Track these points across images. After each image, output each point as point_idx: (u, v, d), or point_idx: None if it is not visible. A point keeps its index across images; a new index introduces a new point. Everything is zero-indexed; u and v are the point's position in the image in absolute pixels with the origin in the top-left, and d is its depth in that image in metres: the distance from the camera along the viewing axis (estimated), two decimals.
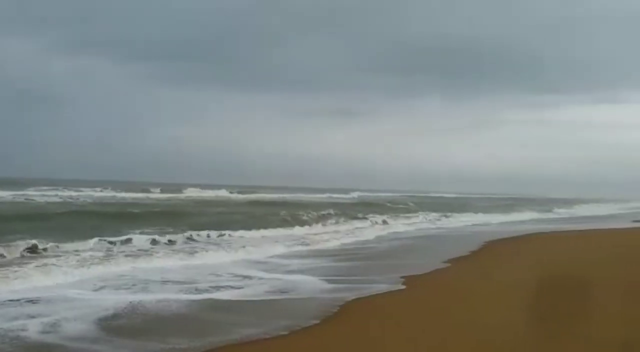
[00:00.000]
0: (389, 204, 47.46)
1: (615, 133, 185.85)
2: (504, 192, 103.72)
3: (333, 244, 19.07)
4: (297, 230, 23.76)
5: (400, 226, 28.91)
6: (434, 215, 37.87)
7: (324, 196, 59.11)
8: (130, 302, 8.97)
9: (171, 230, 20.35)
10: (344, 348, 7.03)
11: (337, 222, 28.51)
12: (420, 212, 39.08)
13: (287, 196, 52.59)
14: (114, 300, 9.17)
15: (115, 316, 8.19)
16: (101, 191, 45.68)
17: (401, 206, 47.25)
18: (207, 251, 15.78)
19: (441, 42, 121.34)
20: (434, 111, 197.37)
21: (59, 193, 40.35)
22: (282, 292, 10.40)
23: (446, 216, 37.87)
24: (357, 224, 28.58)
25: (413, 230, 27.04)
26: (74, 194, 40.14)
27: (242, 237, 20.30)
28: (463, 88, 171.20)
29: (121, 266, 12.75)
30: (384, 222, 30.46)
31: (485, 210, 46.24)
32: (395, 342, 7.11)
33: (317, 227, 25.53)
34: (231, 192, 53.76)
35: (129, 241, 17.32)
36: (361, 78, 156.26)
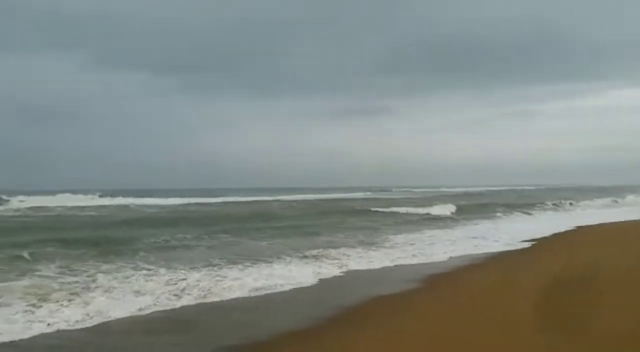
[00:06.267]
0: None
1: None
2: (553, 183, 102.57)
3: None
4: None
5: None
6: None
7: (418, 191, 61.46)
8: None
9: None
10: None
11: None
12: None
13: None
14: None
15: None
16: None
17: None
18: None
19: (459, 36, 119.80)
20: (456, 106, 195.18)
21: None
22: None
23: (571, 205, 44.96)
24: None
25: None
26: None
27: None
28: (488, 80, 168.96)
29: None
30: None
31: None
32: None
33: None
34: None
35: None
36: (380, 77, 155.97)
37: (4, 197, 48.07)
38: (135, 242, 17.73)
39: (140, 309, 8.99)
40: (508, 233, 21.75)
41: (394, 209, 35.81)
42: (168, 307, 9.22)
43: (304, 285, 11.24)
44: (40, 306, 9.01)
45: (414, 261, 14.84)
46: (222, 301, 9.77)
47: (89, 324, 8.14)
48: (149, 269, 12.86)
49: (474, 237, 20.43)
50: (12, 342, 7.26)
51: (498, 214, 35.35)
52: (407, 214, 33.36)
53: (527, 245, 18.22)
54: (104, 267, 13.19)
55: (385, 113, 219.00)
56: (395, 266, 14.03)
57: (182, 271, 12.50)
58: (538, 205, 42.93)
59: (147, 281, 11.37)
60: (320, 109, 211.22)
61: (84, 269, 12.92)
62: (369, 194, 78.36)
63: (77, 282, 11.23)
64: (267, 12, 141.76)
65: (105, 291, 10.29)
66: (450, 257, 15.38)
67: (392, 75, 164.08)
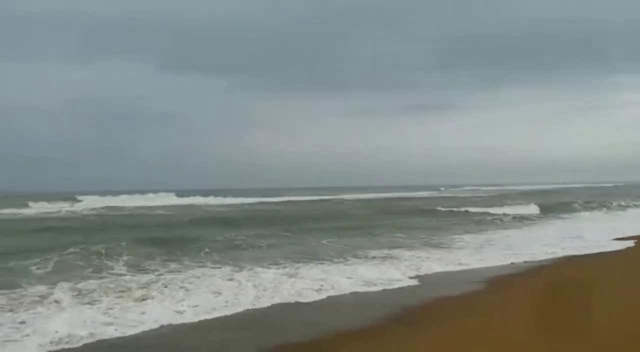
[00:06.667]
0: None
1: None
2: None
3: None
4: None
5: None
6: None
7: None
8: None
9: None
10: None
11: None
12: None
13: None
14: None
15: None
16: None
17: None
18: None
19: (538, 27, 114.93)
20: (526, 100, 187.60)
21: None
22: None
23: None
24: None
25: None
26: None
27: None
28: (562, 73, 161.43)
29: None
30: None
31: None
32: None
33: None
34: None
35: None
36: (443, 73, 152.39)
37: (78, 197, 50.44)
38: (204, 240, 17.90)
39: (213, 308, 8.86)
40: (599, 231, 20.50)
41: (470, 209, 34.52)
42: (238, 306, 9.08)
43: (372, 286, 10.74)
44: (127, 303, 9.12)
45: (506, 261, 13.83)
46: (288, 300, 9.53)
47: (171, 322, 8.09)
48: (216, 268, 12.84)
49: (570, 237, 18.98)
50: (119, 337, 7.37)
51: (582, 212, 33.82)
52: (484, 213, 31.68)
53: (620, 245, 16.82)
54: (172, 265, 13.33)
55: (448, 109, 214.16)
56: (484, 267, 13.12)
57: (251, 270, 12.38)
58: (620, 203, 40.51)
59: (216, 279, 11.29)
60: (381, 106, 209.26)
61: (152, 268, 13.08)
62: (433, 193, 76.71)
63: (152, 280, 11.31)
64: (324, 10, 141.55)
65: (182, 289, 10.28)
66: (549, 258, 14.26)
67: (459, 69, 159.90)
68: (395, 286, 10.78)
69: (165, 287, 10.49)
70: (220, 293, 9.89)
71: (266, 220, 27.45)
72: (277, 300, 9.51)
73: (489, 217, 29.10)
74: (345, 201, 53.22)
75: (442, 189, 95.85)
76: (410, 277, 11.62)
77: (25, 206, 42.16)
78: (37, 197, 52.82)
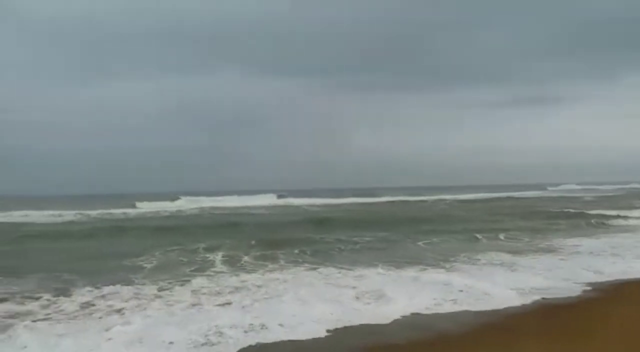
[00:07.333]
0: None
1: None
2: None
3: None
4: None
5: None
6: None
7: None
8: None
9: None
10: None
11: None
12: None
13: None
14: None
15: None
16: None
17: None
18: None
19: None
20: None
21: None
22: None
23: None
24: None
25: None
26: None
27: None
28: None
29: None
30: None
31: None
32: None
33: None
34: None
35: None
36: (552, 62, 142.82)
37: (181, 197, 52.96)
38: (310, 241, 17.92)
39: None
40: None
41: (591, 211, 31.48)
42: (352, 317, 8.09)
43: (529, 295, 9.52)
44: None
45: None
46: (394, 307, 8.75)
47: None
48: (316, 270, 12.52)
49: None
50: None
51: None
52: (613, 216, 27.53)
53: None
54: (272, 266, 13.23)
55: (557, 101, 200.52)
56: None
57: (349, 271, 11.89)
58: None
59: (320, 283, 10.91)
60: (485, 100, 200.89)
61: (250, 268, 13.06)
62: (539, 192, 71.84)
63: (261, 284, 11.16)
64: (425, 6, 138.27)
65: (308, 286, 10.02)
66: None
67: (568, 58, 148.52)
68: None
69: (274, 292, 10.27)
70: (358, 298, 9.25)
71: (365, 221, 26.97)
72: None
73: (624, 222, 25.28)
74: (449, 201, 51.28)
75: (551, 188, 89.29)
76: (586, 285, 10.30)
77: (133, 206, 44.94)
78: (143, 197, 56.16)
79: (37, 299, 9.34)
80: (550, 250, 15.60)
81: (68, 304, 8.95)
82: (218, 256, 14.73)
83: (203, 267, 12.98)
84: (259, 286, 10.34)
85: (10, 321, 7.97)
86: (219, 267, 13.09)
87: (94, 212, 36.49)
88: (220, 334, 7.13)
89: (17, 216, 34.46)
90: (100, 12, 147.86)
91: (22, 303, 9.11)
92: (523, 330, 7.42)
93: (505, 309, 8.56)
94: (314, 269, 12.51)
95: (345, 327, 7.54)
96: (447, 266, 12.82)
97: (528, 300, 9.09)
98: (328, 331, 7.36)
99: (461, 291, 9.68)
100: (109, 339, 6.96)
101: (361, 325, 7.68)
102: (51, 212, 36.50)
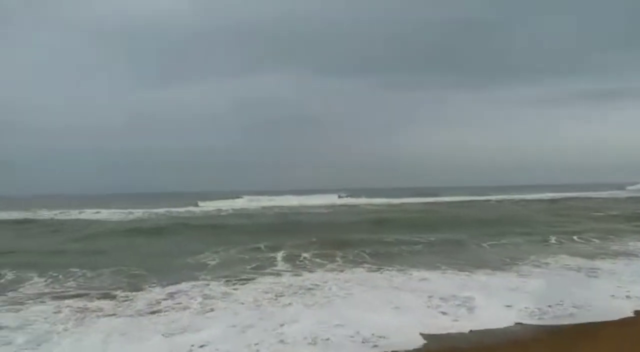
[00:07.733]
0: None
1: None
2: None
3: None
4: None
5: None
6: None
7: None
8: None
9: None
10: None
11: None
12: None
13: None
14: None
15: None
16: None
17: None
18: None
19: None
20: None
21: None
22: None
23: None
24: None
25: None
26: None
27: None
28: None
29: None
30: None
31: None
32: None
33: None
34: None
35: None
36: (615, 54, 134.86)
37: (243, 196, 54.06)
38: (369, 243, 17.67)
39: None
40: None
41: None
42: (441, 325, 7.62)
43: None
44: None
45: None
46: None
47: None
48: (381, 273, 12.33)
49: None
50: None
51: None
52: None
53: None
54: (330, 266, 13.11)
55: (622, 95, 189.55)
56: None
57: (411, 273, 11.63)
58: None
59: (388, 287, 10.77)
60: (545, 96, 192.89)
61: (312, 267, 13.02)
62: (616, 192, 67.96)
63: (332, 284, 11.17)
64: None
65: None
66: None
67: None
68: None
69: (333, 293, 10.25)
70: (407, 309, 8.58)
71: (427, 221, 26.41)
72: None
73: None
74: (513, 201, 49.62)
75: (630, 188, 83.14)
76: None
77: (196, 204, 46.53)
78: (205, 196, 57.79)
79: (113, 297, 9.69)
80: (630, 254, 14.64)
81: (140, 301, 9.28)
82: (279, 254, 14.87)
83: (264, 265, 13.12)
84: (328, 287, 10.18)
85: (83, 314, 8.38)
86: (281, 265, 13.18)
87: (161, 210, 38.04)
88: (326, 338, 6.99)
89: (89, 213, 36.48)
90: (164, 14, 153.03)
91: (98, 298, 9.55)
92: None
93: (622, 320, 7.66)
94: (377, 270, 12.30)
95: (439, 335, 7.09)
96: (516, 269, 12.23)
97: None
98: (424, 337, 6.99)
99: (560, 301, 8.70)
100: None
101: (459, 334, 7.22)
102: (121, 210, 38.38)
